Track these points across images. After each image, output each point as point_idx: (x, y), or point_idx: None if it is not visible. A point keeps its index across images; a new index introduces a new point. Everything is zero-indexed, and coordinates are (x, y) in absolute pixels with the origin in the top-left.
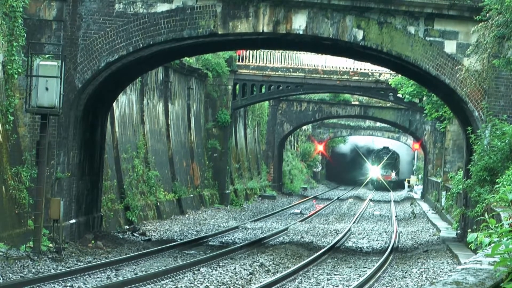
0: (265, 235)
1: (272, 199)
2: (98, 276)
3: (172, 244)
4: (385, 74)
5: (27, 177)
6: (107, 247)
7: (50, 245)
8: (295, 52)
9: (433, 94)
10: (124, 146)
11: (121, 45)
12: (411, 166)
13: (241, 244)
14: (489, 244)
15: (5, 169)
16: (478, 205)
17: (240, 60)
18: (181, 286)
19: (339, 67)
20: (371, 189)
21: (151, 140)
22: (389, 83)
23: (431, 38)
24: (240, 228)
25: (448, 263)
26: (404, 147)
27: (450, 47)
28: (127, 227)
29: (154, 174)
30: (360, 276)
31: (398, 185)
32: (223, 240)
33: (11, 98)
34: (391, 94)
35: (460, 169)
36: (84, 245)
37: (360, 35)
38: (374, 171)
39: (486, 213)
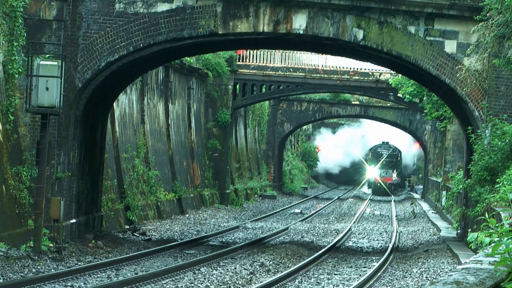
0: (265, 234)
1: (273, 199)
2: (98, 275)
3: (173, 243)
4: (385, 73)
5: (27, 177)
6: (107, 247)
7: (51, 245)
8: (295, 52)
9: (433, 94)
10: (124, 145)
11: (121, 45)
12: (413, 164)
13: (241, 244)
14: (490, 243)
15: (6, 168)
16: (478, 205)
17: (241, 60)
18: (182, 286)
19: (339, 67)
20: (369, 193)
21: (152, 139)
22: (389, 82)
23: (431, 38)
24: (241, 227)
25: (448, 262)
26: (406, 141)
27: (450, 46)
28: (128, 226)
29: (154, 173)
30: (360, 276)
31: (399, 185)
32: (224, 240)
33: (11, 98)
34: (391, 94)
35: (461, 169)
36: (84, 245)
37: (360, 34)
38: (371, 171)
39: (486, 212)
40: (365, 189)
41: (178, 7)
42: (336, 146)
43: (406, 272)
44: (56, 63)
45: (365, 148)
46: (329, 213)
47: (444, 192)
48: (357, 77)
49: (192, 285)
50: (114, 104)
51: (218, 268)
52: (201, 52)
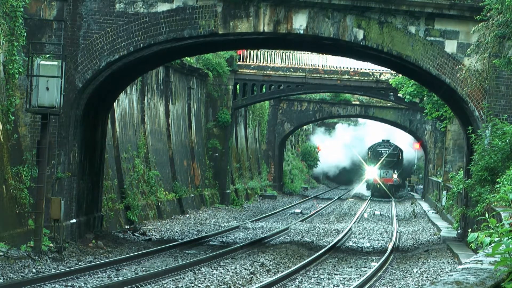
0: (265, 234)
1: (273, 199)
2: (98, 275)
3: (173, 243)
4: (386, 73)
5: (27, 177)
6: (107, 247)
7: (51, 244)
8: (295, 52)
9: (433, 94)
10: (124, 145)
11: (121, 45)
12: (413, 164)
13: (241, 244)
14: (490, 243)
15: (6, 168)
16: (478, 205)
17: (241, 60)
18: (182, 286)
19: (340, 67)
20: (368, 194)
21: (152, 139)
22: (390, 82)
23: (432, 38)
24: (241, 227)
25: (448, 262)
26: (406, 141)
27: (450, 46)
28: (128, 226)
29: (154, 173)
30: (360, 275)
31: (400, 186)
32: (224, 240)
33: (12, 98)
34: (391, 94)
35: (461, 169)
36: (84, 245)
37: (360, 34)
38: (370, 171)
39: (486, 212)
40: (364, 191)
41: (179, 7)
42: (335, 146)
43: (406, 272)
44: (56, 63)
45: (365, 148)
46: (329, 213)
47: (444, 192)
48: (357, 77)
49: (193, 285)
50: (114, 104)
51: (219, 268)
52: (201, 52)
